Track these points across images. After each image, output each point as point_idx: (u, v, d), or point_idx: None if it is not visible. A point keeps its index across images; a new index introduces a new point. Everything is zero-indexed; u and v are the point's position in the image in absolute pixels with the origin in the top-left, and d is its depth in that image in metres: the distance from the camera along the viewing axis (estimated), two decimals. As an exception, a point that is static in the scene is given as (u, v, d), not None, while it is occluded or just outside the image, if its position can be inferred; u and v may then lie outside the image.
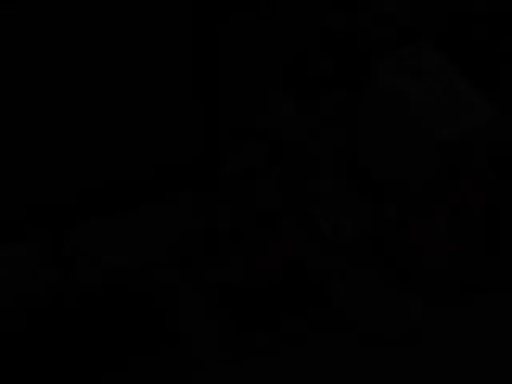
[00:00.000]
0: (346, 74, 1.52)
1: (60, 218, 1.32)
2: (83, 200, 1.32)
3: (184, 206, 1.37)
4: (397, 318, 1.26)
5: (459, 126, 1.33)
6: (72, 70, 1.17)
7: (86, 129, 1.25)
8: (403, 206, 1.32)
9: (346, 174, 1.38)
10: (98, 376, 1.16)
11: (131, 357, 1.17)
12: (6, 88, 1.14)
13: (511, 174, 1.39)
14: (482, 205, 1.21)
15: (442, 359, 1.23)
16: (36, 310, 1.20)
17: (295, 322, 1.22)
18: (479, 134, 1.34)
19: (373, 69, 1.41)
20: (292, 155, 1.43)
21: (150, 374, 1.17)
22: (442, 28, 1.59)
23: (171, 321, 1.20)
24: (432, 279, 1.28)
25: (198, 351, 1.20)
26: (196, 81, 1.26)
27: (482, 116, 1.35)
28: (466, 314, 1.27)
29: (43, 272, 1.26)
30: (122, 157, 1.31)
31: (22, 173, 1.25)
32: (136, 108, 1.26)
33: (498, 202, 1.23)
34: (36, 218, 1.31)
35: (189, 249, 1.27)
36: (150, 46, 1.19)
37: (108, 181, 1.33)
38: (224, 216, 1.35)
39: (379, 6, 1.62)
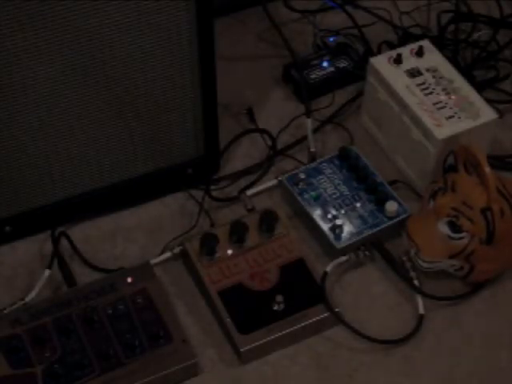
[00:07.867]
0: (346, 73, 1.52)
1: (60, 218, 1.32)
2: (83, 200, 1.32)
3: (184, 206, 1.37)
4: (397, 318, 1.26)
5: (459, 125, 1.33)
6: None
7: (87, 129, 1.25)
8: (403, 205, 1.33)
9: (347, 170, 1.38)
10: (97, 375, 1.16)
11: (130, 356, 1.17)
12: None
13: (511, 174, 1.40)
14: (481, 204, 1.21)
15: (445, 356, 1.23)
16: (36, 309, 1.20)
17: (295, 322, 1.22)
18: (479, 133, 1.34)
19: (373, 69, 1.41)
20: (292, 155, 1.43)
21: (150, 374, 1.17)
22: (441, 28, 1.59)
23: (171, 320, 1.20)
24: (432, 278, 1.28)
25: (197, 352, 1.20)
26: (195, 79, 1.26)
27: (482, 116, 1.35)
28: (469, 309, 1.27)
29: (43, 272, 1.26)
30: (122, 158, 1.31)
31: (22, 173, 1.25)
32: (135, 108, 1.26)
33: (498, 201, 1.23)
34: (36, 218, 1.31)
35: (189, 248, 1.27)
36: (149, 40, 1.19)
37: (108, 181, 1.33)
38: (223, 216, 1.35)
39: (379, 5, 1.62)
